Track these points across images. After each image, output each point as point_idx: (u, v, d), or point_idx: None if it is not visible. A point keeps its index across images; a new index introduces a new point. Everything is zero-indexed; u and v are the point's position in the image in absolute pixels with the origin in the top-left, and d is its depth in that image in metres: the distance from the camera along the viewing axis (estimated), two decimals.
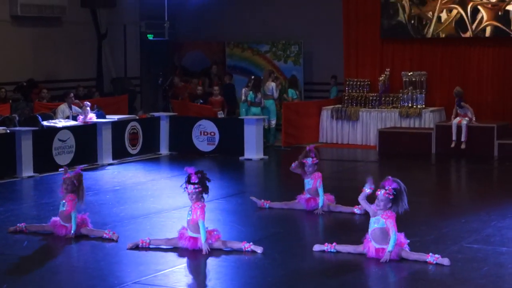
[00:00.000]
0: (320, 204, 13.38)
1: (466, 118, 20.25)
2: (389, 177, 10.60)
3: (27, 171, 17.12)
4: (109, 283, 9.62)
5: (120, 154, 19.52)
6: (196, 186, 11.01)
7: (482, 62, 22.31)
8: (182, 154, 20.28)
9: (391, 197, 10.44)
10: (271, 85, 22.75)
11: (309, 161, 13.58)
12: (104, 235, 11.79)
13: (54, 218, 12.04)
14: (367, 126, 22.54)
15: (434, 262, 10.29)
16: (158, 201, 14.58)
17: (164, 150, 20.60)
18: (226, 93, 23.60)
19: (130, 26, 26.78)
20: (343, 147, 22.14)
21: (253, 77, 22.62)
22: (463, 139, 20.09)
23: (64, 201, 11.87)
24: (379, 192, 10.48)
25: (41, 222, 12.61)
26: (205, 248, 10.85)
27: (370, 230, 10.59)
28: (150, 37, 26.53)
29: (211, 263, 10.56)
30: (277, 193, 16.56)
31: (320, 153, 20.97)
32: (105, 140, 19.06)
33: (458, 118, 20.31)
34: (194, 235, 11.05)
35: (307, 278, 9.94)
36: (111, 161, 19.09)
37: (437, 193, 16.21)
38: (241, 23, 26.13)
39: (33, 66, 24.02)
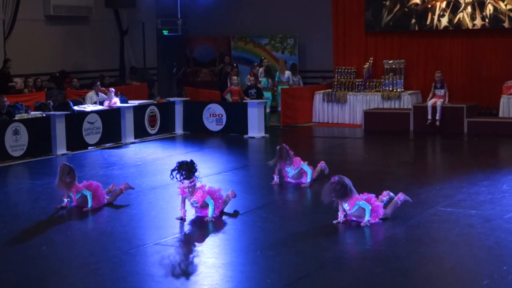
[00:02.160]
0: (309, 179, 13.13)
1: (441, 99, 20.24)
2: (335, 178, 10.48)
3: (61, 149, 17.14)
4: (133, 244, 9.65)
5: (141, 134, 19.52)
6: (190, 180, 10.60)
7: (453, 51, 22.27)
8: (194, 134, 20.29)
9: (334, 194, 10.36)
10: (287, 73, 22.80)
11: (287, 163, 13.21)
12: (121, 189, 11.91)
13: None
14: (354, 108, 22.52)
15: (401, 200, 10.71)
16: None
17: (178, 130, 20.59)
18: (225, 80, 23.54)
19: (148, 24, 26.72)
20: (333, 126, 22.11)
21: (263, 59, 22.90)
22: (437, 117, 20.12)
23: (71, 194, 11.56)
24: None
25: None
26: (209, 218, 10.72)
27: (348, 214, 10.51)
28: (165, 32, 26.49)
29: (220, 227, 10.57)
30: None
31: (313, 131, 21.11)
32: (128, 122, 19.06)
33: (433, 100, 20.34)
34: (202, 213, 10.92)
35: (305, 239, 9.96)
36: (133, 140, 19.10)
37: (415, 165, 16.21)
38: (244, 20, 26.08)
39: (64, 59, 23.97)
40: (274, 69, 24.10)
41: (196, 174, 10.71)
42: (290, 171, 13.33)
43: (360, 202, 10.39)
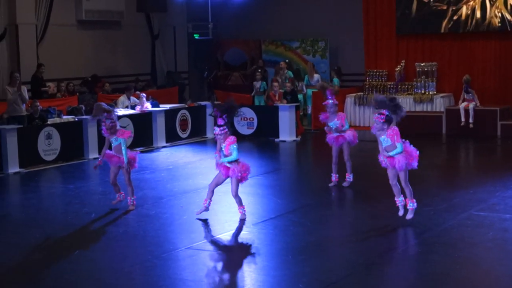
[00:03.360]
0: (348, 138, 13.10)
1: (473, 103, 20.17)
2: (378, 98, 10.52)
3: (93, 153, 17.23)
4: (165, 248, 9.67)
5: (172, 138, 19.58)
6: (222, 128, 10.86)
7: (486, 54, 22.06)
8: None
9: (382, 121, 10.37)
10: (316, 76, 22.83)
11: (330, 102, 13.35)
12: (129, 200, 11.88)
13: (108, 151, 11.96)
14: None
15: (406, 206, 10.55)
16: (206, 178, 14.54)
17: (210, 134, 20.60)
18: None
19: (179, 28, 26.80)
20: (364, 129, 21.99)
21: (281, 63, 23.04)
22: (470, 120, 20.01)
23: (116, 137, 11.79)
24: (374, 115, 10.49)
25: (106, 197, 12.69)
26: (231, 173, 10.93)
27: (384, 146, 10.53)
28: (196, 36, 26.54)
29: (252, 230, 10.56)
30: (308, 169, 16.55)
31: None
32: (159, 126, 19.13)
33: (465, 103, 20.25)
34: (228, 165, 10.98)
35: (336, 243, 9.93)
36: (165, 144, 19.16)
37: (447, 168, 16.10)
38: (275, 23, 26.05)
39: (96, 63, 24.11)
40: (304, 72, 24.12)
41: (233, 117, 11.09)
42: (333, 124, 13.31)
43: (398, 144, 10.38)
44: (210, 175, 14.69)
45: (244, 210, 11.18)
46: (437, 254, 9.25)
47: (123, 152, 11.73)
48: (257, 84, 22.22)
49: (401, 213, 10.66)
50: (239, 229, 10.61)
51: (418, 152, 10.62)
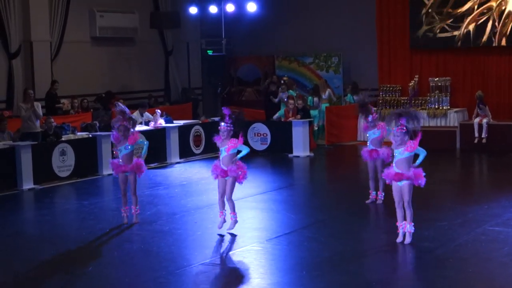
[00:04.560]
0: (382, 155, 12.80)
1: (486, 118, 20.17)
2: (396, 111, 10.52)
3: (107, 170, 17.27)
4: (179, 264, 9.68)
5: (186, 154, 19.62)
6: (227, 124, 10.92)
7: (500, 68, 22.04)
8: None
9: (404, 131, 10.32)
10: (328, 91, 23.34)
11: (370, 118, 13.15)
12: (133, 210, 12.03)
13: (113, 160, 12.16)
14: None
15: (404, 231, 10.34)
16: None
17: None
18: (268, 98, 23.57)
19: (193, 44, 26.90)
20: None
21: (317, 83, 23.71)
22: (484, 135, 19.99)
23: (127, 143, 11.95)
24: (393, 129, 10.38)
25: (121, 213, 12.70)
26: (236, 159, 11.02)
27: (395, 160, 10.43)
28: (209, 52, 26.62)
29: (266, 246, 10.56)
30: (321, 184, 16.54)
31: (359, 150, 20.99)
32: (173, 142, 19.19)
33: (478, 118, 20.25)
34: (225, 168, 11.01)
35: (351, 259, 9.91)
36: (178, 160, 19.20)
37: (462, 183, 16.06)
38: (288, 38, 26.12)
39: (110, 80, 24.22)
40: (320, 87, 24.23)
41: (238, 128, 11.04)
42: (371, 134, 13.10)
43: (419, 148, 10.37)
44: None
45: (236, 217, 11.17)
46: (452, 269, 9.22)
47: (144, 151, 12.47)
48: (284, 95, 22.23)
49: (399, 239, 10.41)
50: (253, 245, 10.60)
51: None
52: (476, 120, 20.26)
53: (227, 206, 11.19)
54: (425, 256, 9.91)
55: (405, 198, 10.30)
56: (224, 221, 11.28)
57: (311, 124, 20.64)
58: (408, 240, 10.34)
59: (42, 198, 14.85)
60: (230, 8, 24.90)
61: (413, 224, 10.37)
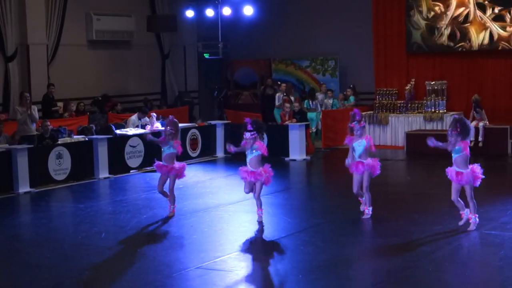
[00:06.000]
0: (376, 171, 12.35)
1: (482, 121, 20.19)
2: (454, 116, 11.44)
3: (104, 173, 17.27)
4: (175, 268, 9.67)
5: (182, 157, 19.49)
6: (252, 133, 11.89)
7: (496, 72, 22.08)
8: (235, 156, 20.25)
9: (458, 131, 11.26)
10: (321, 95, 23.51)
11: (356, 126, 12.43)
12: (170, 208, 12.76)
13: (157, 162, 12.97)
14: (396, 129, 22.41)
15: (469, 220, 11.23)
16: (216, 197, 14.63)
17: (220, 153, 20.65)
18: (267, 101, 23.59)
19: (189, 47, 26.91)
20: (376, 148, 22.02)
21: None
22: (480, 139, 19.98)
23: (172, 143, 12.82)
24: (448, 131, 11.45)
25: (117, 217, 12.69)
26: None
27: (453, 159, 11.48)
28: (206, 56, 26.61)
29: (262, 250, 10.55)
30: (318, 188, 16.53)
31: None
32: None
33: (475, 121, 20.26)
34: (254, 169, 11.97)
35: (347, 263, 9.90)
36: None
37: None
38: (285, 42, 26.14)
39: (107, 83, 24.21)
40: (317, 90, 24.29)
41: (261, 134, 12.46)
42: (357, 146, 12.34)
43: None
44: (220, 194, 14.80)
45: (262, 213, 12.08)
46: (448, 273, 9.22)
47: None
48: (281, 97, 22.26)
49: (461, 223, 11.34)
50: (249, 249, 10.60)
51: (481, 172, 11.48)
52: (473, 124, 20.26)
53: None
54: (422, 259, 9.91)
55: (468, 193, 11.30)
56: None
57: (307, 127, 20.64)
58: (472, 227, 11.19)
59: (38, 202, 14.82)
60: (226, 11, 24.89)
61: (477, 215, 11.27)
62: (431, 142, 11.65)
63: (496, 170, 18.06)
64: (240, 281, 9.23)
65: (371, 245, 10.60)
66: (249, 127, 11.92)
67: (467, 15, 21.95)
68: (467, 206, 11.33)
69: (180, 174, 12.93)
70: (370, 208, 12.38)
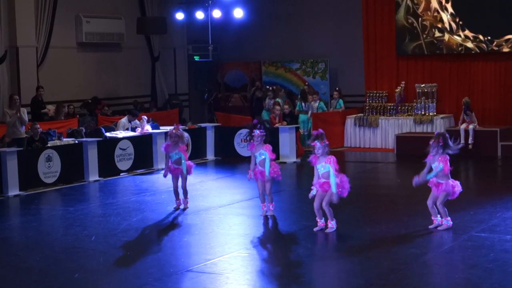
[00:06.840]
0: (333, 189, 11.44)
1: (472, 124, 20.28)
2: (436, 131, 11.76)
3: (93, 176, 17.26)
4: (166, 271, 9.67)
5: None
6: (262, 130, 12.45)
7: (486, 74, 22.17)
8: (226, 159, 20.33)
9: (441, 144, 11.34)
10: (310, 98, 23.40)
11: (318, 144, 11.96)
12: (183, 201, 13.64)
13: (170, 165, 13.54)
14: (386, 132, 22.47)
15: (441, 224, 11.48)
16: (206, 200, 14.63)
17: (210, 156, 20.66)
18: (256, 105, 23.62)
19: (179, 50, 26.93)
20: (365, 151, 22.06)
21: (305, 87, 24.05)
22: (470, 141, 20.07)
23: (178, 151, 13.36)
24: (430, 142, 11.43)
25: (107, 219, 12.68)
26: (267, 178, 12.67)
27: (432, 173, 11.51)
28: (196, 58, 26.65)
29: (252, 252, 10.56)
30: (308, 190, 16.51)
31: (345, 156, 21.07)
32: (160, 148, 19.12)
33: (465, 124, 20.35)
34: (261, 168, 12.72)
35: (337, 265, 9.93)
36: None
37: None
38: (275, 45, 26.19)
39: (97, 86, 24.21)
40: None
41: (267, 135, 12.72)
42: (320, 168, 11.73)
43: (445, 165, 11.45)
44: (210, 197, 14.82)
45: (273, 207, 13.00)
46: (438, 275, 9.25)
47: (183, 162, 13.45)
48: (270, 102, 22.31)
49: (431, 227, 11.52)
50: (238, 252, 10.61)
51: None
52: (463, 126, 20.37)
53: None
54: (412, 262, 9.94)
55: (439, 200, 11.56)
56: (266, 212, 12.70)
57: (297, 130, 20.66)
58: (443, 228, 11.46)
59: (28, 205, 14.80)
60: (216, 14, 24.92)
61: (449, 218, 11.53)
62: (415, 182, 11.82)
63: (486, 172, 18.14)
64: (229, 284, 9.24)
65: (361, 247, 10.62)
66: (259, 126, 12.54)
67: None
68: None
69: (188, 170, 13.54)
70: (334, 222, 11.72)
